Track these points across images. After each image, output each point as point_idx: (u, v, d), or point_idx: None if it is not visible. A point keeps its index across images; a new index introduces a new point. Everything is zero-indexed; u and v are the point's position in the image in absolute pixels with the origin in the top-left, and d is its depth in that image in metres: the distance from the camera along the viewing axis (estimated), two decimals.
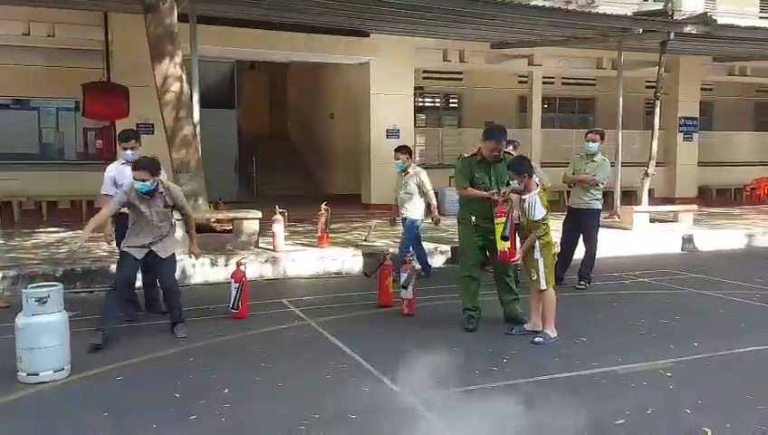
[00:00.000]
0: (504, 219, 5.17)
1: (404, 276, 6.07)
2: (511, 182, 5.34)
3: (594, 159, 7.33)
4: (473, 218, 5.56)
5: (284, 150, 18.87)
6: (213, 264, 7.63)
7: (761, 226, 11.63)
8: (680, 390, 4.12)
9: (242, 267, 6.10)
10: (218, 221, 8.78)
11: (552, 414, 3.75)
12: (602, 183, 7.27)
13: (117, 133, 6.27)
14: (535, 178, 5.33)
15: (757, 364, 4.65)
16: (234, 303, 5.94)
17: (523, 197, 5.24)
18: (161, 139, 8.77)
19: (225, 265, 7.53)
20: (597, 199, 7.28)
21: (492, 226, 5.30)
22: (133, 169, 5.21)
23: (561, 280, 7.36)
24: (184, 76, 8.47)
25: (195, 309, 6.06)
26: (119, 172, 5.95)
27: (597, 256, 7.44)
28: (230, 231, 8.60)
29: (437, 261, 8.75)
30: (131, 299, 5.81)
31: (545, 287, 5.22)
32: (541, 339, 5.14)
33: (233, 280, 5.97)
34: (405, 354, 4.85)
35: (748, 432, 3.45)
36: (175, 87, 8.34)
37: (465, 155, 5.84)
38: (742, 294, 6.94)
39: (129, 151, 5.92)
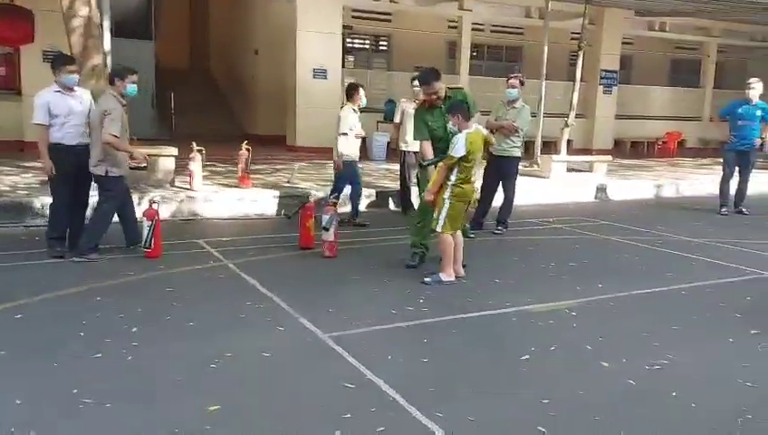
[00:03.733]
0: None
1: (325, 218, 6.02)
2: (448, 124, 5.36)
3: (515, 105, 7.39)
4: (423, 163, 5.60)
5: (205, 87, 18.15)
6: None
7: (668, 177, 12.24)
8: (583, 328, 4.32)
9: (155, 205, 5.88)
10: (132, 158, 8.36)
11: (463, 350, 3.87)
12: (522, 129, 7.36)
13: (54, 58, 5.84)
14: (473, 123, 5.31)
15: (654, 305, 4.93)
16: (146, 241, 5.74)
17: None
18: None
19: (139, 204, 7.19)
20: (516, 147, 7.38)
21: None
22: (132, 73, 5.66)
23: (480, 225, 7.55)
24: (93, 0, 7.89)
25: (104, 247, 5.81)
26: (54, 101, 5.55)
27: (516, 203, 7.62)
28: (144, 168, 8.25)
29: (362, 205, 8.72)
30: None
31: (439, 230, 5.26)
32: (429, 280, 5.20)
33: (145, 218, 5.76)
34: (323, 295, 4.87)
35: (642, 367, 3.67)
36: (82, 11, 7.76)
37: (416, 106, 5.83)
38: (645, 240, 7.32)
39: (75, 76, 5.68)
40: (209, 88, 18.33)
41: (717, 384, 3.50)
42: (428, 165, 5.51)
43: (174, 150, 8.39)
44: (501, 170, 7.44)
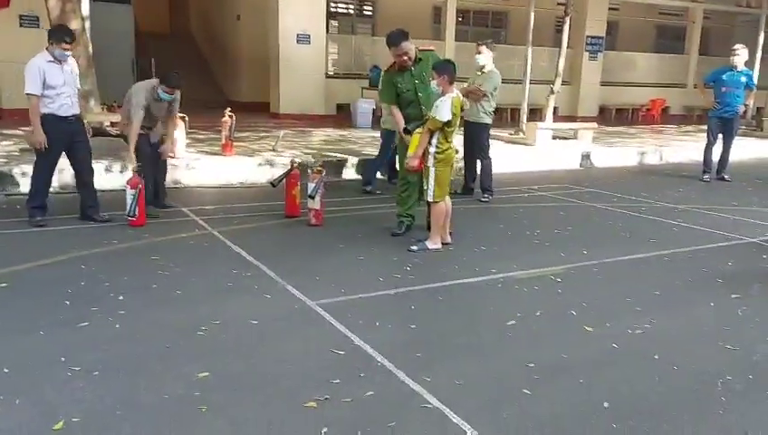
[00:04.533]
0: (421, 131, 5.21)
1: (311, 186, 5.99)
2: (432, 82, 5.20)
3: (483, 70, 7.37)
4: (408, 127, 5.54)
5: (186, 52, 17.80)
6: (107, 170, 7.21)
7: (652, 144, 12.30)
8: (567, 293, 4.38)
9: (139, 174, 5.81)
10: (113, 124, 8.26)
11: (449, 317, 3.91)
12: (490, 94, 7.27)
13: (53, 30, 5.73)
14: (456, 90, 5.25)
15: (637, 270, 4.99)
16: (130, 210, 5.68)
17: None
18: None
19: (121, 172, 7.15)
20: (485, 113, 7.33)
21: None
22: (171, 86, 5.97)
23: (471, 190, 7.65)
24: None
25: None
26: (49, 71, 5.44)
27: (501, 171, 7.64)
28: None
29: (348, 173, 8.70)
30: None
31: (431, 199, 5.25)
32: (416, 247, 5.21)
33: (128, 186, 5.69)
34: (309, 263, 4.87)
35: (625, 331, 3.74)
36: None
37: (384, 69, 5.75)
38: (629, 207, 7.38)
39: (69, 53, 5.58)
40: (191, 53, 17.99)
41: (698, 347, 3.57)
42: (414, 129, 5.46)
43: None
44: (472, 136, 7.50)
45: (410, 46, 5.47)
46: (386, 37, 5.55)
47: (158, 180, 6.44)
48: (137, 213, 5.68)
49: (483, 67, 7.36)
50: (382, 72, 5.94)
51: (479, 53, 7.39)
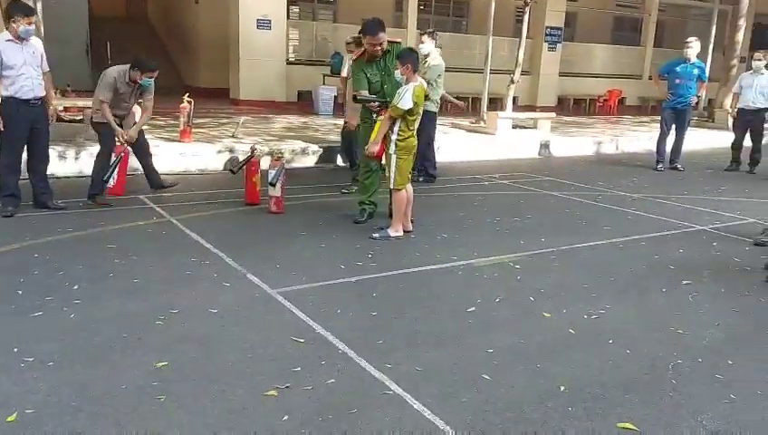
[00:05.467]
0: (382, 118, 5.20)
1: (272, 173, 5.94)
2: (395, 72, 5.22)
3: (427, 59, 7.45)
4: (374, 116, 5.50)
5: (143, 36, 17.38)
6: (61, 156, 7.02)
7: (608, 134, 12.56)
8: (526, 280, 4.46)
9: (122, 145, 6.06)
10: (66, 110, 8.03)
11: (411, 303, 3.93)
12: (434, 82, 7.33)
13: (10, 6, 5.43)
14: (420, 79, 5.26)
15: (593, 257, 5.11)
16: (107, 174, 5.77)
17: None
18: None
19: (76, 158, 6.97)
20: (431, 102, 7.34)
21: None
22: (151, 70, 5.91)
23: (434, 178, 7.78)
24: None
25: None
26: (7, 51, 5.22)
27: (462, 159, 7.72)
28: (81, 121, 7.91)
29: (309, 160, 8.65)
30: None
31: (393, 186, 5.26)
32: (378, 235, 5.24)
33: (113, 154, 5.93)
34: (270, 251, 4.84)
35: (581, 316, 3.83)
36: None
37: (354, 57, 5.71)
38: (586, 195, 7.54)
39: (32, 27, 5.38)
40: (148, 37, 17.57)
41: (651, 332, 3.69)
42: (365, 101, 5.46)
43: None
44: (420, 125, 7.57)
45: (385, 37, 5.48)
46: (361, 25, 5.51)
47: (146, 164, 6.51)
48: (114, 179, 5.81)
49: (426, 56, 7.42)
50: (351, 61, 5.90)
51: (422, 42, 7.50)
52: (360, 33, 5.64)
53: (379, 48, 5.45)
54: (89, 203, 5.87)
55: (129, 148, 6.15)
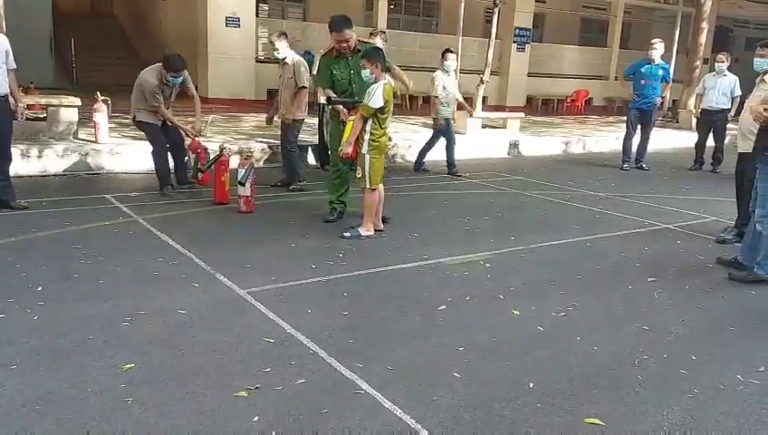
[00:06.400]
0: (354, 118, 5.19)
1: (241, 172, 5.89)
2: (362, 71, 5.18)
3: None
4: (333, 99, 5.51)
5: (110, 33, 17.09)
6: (24, 155, 6.86)
7: (576, 134, 12.74)
8: (496, 278, 4.50)
9: (198, 139, 6.69)
10: (29, 108, 7.84)
11: (381, 303, 3.94)
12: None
13: None
14: (388, 76, 5.26)
15: (561, 256, 5.18)
16: (206, 167, 6.48)
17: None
18: None
19: (39, 157, 6.82)
20: (444, 107, 7.58)
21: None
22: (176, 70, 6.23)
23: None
24: None
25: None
26: None
27: (433, 158, 7.85)
28: (44, 119, 7.74)
29: (279, 159, 8.57)
30: None
31: (368, 186, 5.26)
32: (348, 234, 5.23)
33: (190, 151, 6.66)
34: (239, 251, 4.80)
35: (550, 314, 3.88)
36: None
37: (322, 52, 5.70)
38: (555, 194, 7.63)
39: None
40: (114, 34, 17.27)
41: (617, 328, 3.75)
42: (336, 103, 5.45)
43: (76, 101, 7.90)
44: None
45: (352, 34, 5.46)
46: (329, 22, 5.48)
47: (178, 160, 6.74)
48: (201, 173, 6.54)
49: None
50: (320, 56, 5.89)
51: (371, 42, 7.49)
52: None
53: (346, 45, 5.44)
54: (165, 194, 6.36)
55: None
